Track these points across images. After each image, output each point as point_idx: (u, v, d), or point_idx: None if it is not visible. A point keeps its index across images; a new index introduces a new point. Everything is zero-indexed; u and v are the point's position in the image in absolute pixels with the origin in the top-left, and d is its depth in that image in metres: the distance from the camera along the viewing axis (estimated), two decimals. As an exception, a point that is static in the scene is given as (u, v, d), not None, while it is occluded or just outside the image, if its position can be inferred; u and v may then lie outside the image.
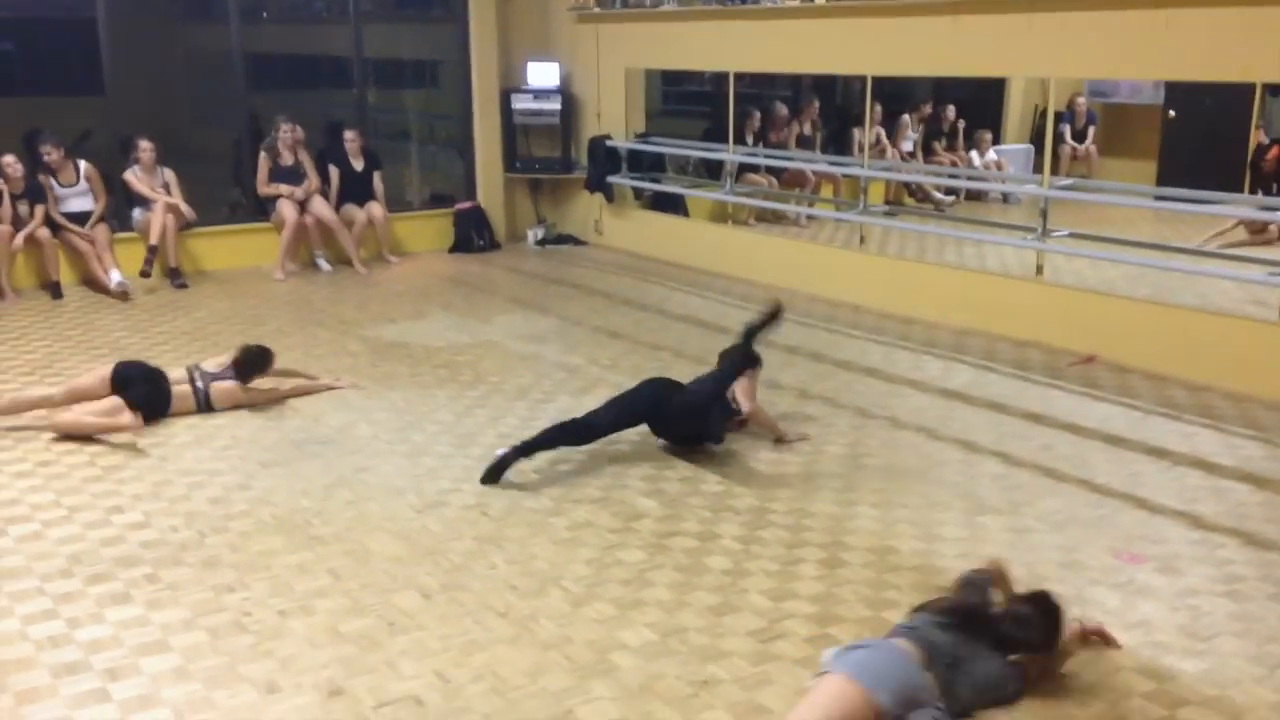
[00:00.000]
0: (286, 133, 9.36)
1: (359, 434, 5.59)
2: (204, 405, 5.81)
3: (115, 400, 5.49)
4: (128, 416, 5.42)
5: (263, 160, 9.44)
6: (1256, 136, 11.61)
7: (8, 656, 3.54)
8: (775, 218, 10.75)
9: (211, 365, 5.94)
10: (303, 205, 9.44)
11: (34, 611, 3.81)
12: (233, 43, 9.78)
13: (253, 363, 5.91)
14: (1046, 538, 4.44)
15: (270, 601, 3.89)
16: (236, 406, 5.86)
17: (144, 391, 5.62)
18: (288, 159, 9.46)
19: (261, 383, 6.00)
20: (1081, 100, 12.57)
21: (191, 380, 5.83)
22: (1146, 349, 6.57)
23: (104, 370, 5.70)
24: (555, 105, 10.50)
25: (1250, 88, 10.97)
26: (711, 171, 10.75)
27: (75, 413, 5.47)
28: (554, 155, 10.73)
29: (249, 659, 3.53)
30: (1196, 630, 3.71)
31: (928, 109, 12.43)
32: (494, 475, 4.93)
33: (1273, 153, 11.37)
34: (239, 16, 9.75)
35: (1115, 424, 5.72)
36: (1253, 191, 11.31)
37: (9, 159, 8.34)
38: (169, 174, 9.08)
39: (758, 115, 10.90)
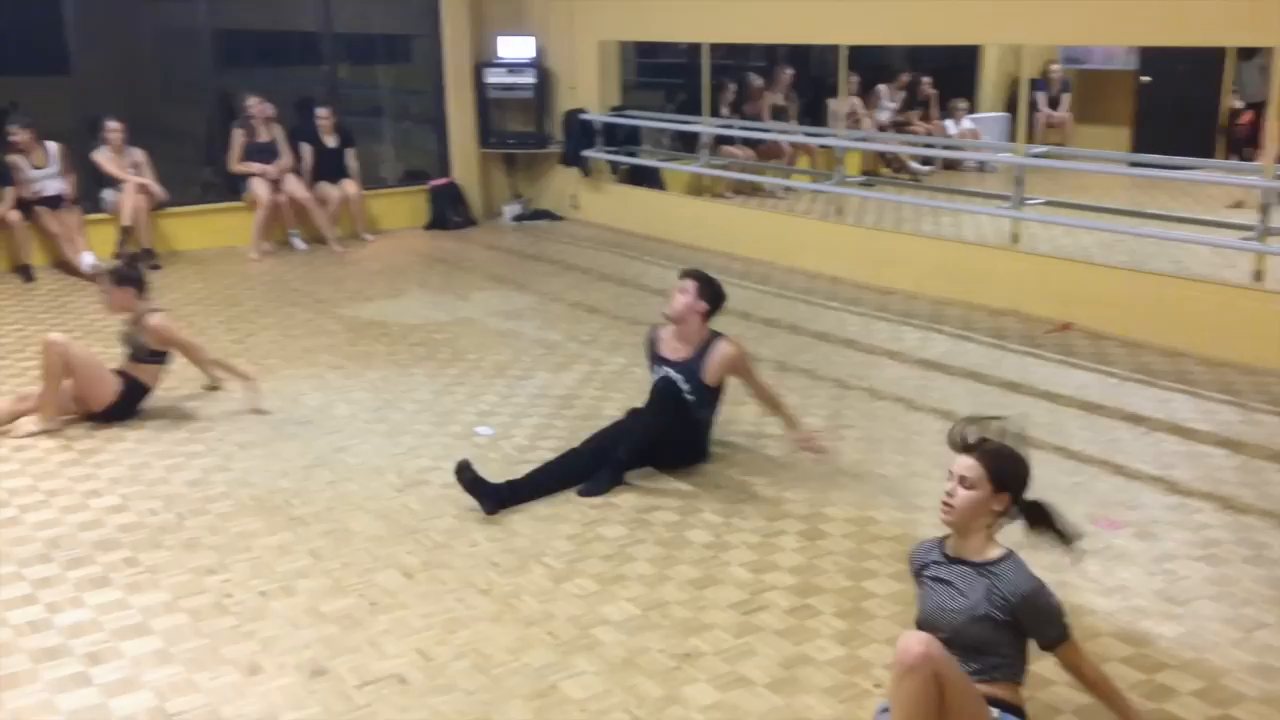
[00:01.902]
0: (255, 106, 9.26)
1: (337, 413, 5.57)
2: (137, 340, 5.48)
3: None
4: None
5: (237, 137, 9.34)
6: (1230, 101, 11.69)
7: (-14, 643, 3.52)
8: (752, 190, 10.74)
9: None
10: (276, 184, 9.35)
11: (13, 597, 3.79)
12: (200, 19, 9.65)
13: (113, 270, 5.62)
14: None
15: (251, 583, 3.88)
16: (167, 344, 5.53)
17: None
18: (263, 135, 9.36)
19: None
20: (1056, 67, 12.60)
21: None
22: (1122, 316, 6.61)
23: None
24: (529, 79, 10.42)
25: (1223, 52, 11.05)
26: (687, 144, 10.72)
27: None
28: (529, 130, 10.67)
29: (230, 640, 3.52)
30: (1174, 594, 3.75)
31: (904, 78, 12.43)
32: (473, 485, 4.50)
33: (1246, 117, 11.45)
34: (206, -7, 9.64)
35: (1091, 391, 5.76)
36: (1226, 156, 11.40)
37: None
38: (139, 154, 8.97)
39: (732, 87, 10.87)
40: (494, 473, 4.82)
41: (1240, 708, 3.16)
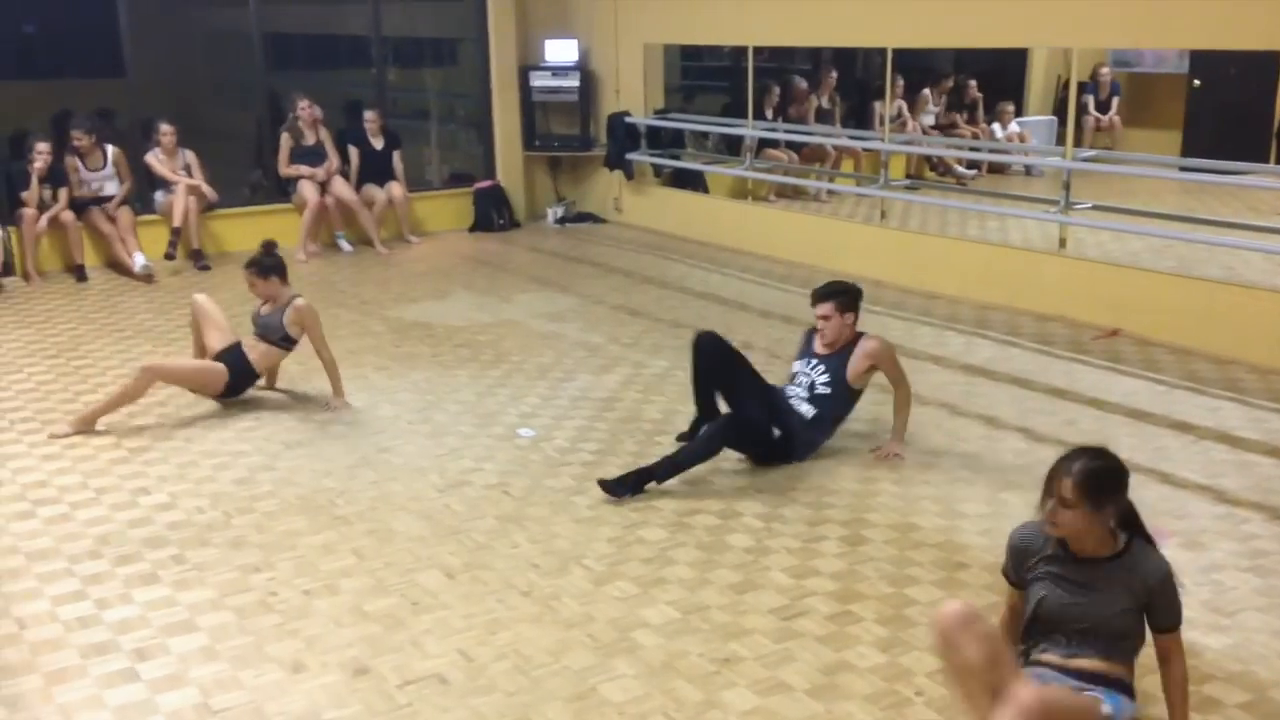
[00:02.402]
0: (304, 109, 9.37)
1: (381, 414, 5.62)
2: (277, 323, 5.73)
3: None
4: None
5: (284, 141, 9.46)
6: (1283, 104, 11.46)
7: (38, 637, 3.59)
8: (795, 193, 10.71)
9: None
10: (323, 186, 9.46)
11: (63, 593, 3.86)
12: (251, 23, 9.79)
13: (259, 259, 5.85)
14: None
15: (295, 581, 3.93)
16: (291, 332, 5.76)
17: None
18: (309, 138, 9.47)
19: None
20: (1105, 70, 12.44)
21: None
22: (1171, 322, 6.52)
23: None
24: (574, 82, 10.46)
25: (1277, 55, 10.83)
26: (731, 147, 10.71)
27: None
28: (573, 133, 10.71)
29: (275, 638, 3.57)
30: (1221, 605, 3.70)
31: (949, 82, 12.32)
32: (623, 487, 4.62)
33: (1300, 120, 11.21)
34: (257, -2, 9.77)
35: (1139, 398, 5.69)
36: (1279, 161, 11.19)
37: (42, 146, 8.40)
38: (190, 156, 9.11)
39: (777, 90, 10.84)
40: (535, 474, 4.87)
41: (1289, 723, 3.11)
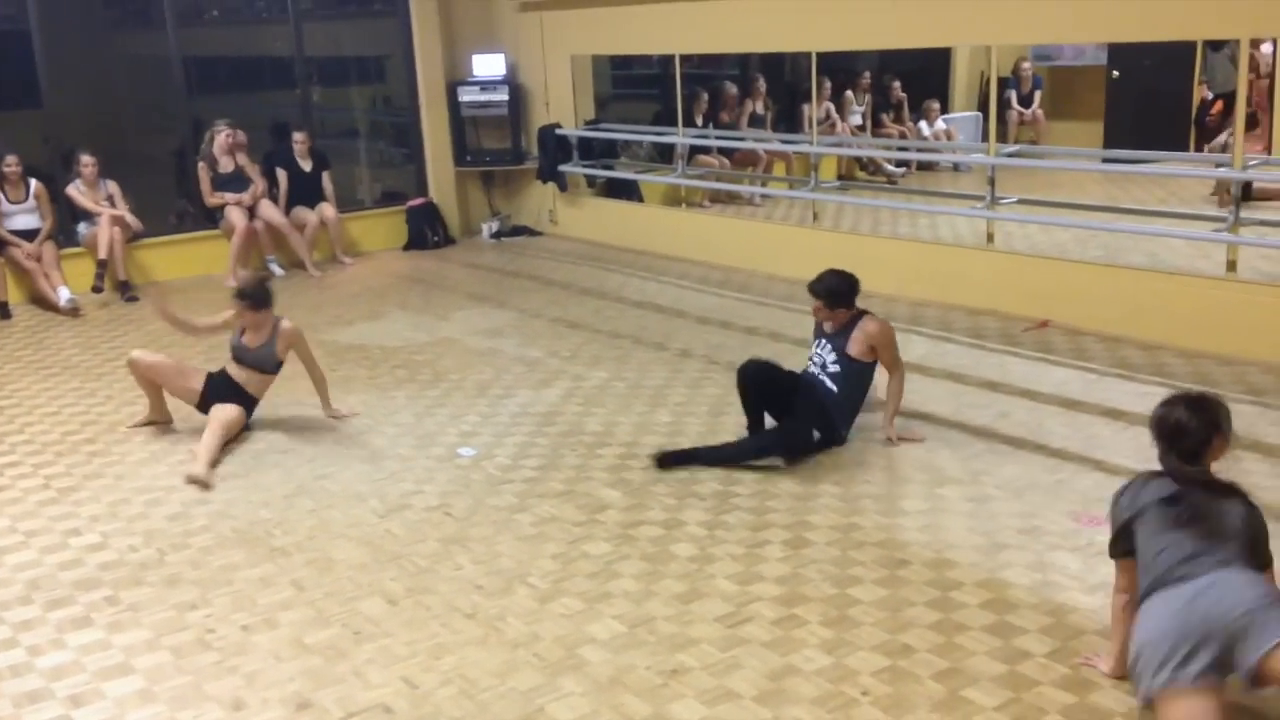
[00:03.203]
0: (224, 136, 9.23)
1: (319, 440, 5.55)
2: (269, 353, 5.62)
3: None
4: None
5: (202, 171, 9.31)
6: (1200, 92, 11.75)
7: (-32, 689, 3.49)
8: (729, 198, 10.76)
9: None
10: (251, 210, 9.33)
11: (-7, 641, 3.76)
12: (170, 48, 9.64)
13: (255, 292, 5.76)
14: (1006, 505, 4.48)
15: (233, 617, 3.86)
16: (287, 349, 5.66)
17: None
18: (226, 165, 9.33)
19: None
20: (1027, 65, 12.65)
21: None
22: (1099, 311, 6.63)
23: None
24: (503, 96, 10.43)
25: (1192, 44, 11.10)
26: (665, 155, 10.74)
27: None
28: (504, 147, 10.67)
29: (214, 677, 3.50)
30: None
31: (866, 80, 12.43)
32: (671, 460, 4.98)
33: (1217, 107, 11.51)
34: (175, 21, 9.62)
35: (1071, 388, 5.78)
36: (1198, 148, 11.46)
37: None
38: (112, 186, 8.94)
39: (705, 96, 10.89)
40: (476, 493, 4.83)
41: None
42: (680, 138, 9.57)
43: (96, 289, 8.51)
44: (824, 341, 5.27)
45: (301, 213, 9.58)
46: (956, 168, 12.11)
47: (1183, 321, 6.25)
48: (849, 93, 12.15)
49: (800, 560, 4.11)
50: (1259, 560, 2.97)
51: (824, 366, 5.20)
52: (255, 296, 5.59)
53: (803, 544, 4.24)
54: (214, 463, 5.18)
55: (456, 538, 4.41)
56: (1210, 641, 2.79)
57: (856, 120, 12.25)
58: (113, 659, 3.62)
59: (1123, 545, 3.17)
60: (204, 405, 5.55)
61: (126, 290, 8.76)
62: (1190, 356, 6.11)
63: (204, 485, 4.96)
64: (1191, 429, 3.02)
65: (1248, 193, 8.67)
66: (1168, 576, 2.93)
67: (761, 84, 11.50)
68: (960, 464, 4.88)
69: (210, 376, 5.64)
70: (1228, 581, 2.86)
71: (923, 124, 12.51)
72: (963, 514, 4.42)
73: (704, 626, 3.68)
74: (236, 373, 5.62)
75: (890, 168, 12.02)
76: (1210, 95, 11.66)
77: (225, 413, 5.43)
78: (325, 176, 9.75)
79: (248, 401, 5.62)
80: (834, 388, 5.13)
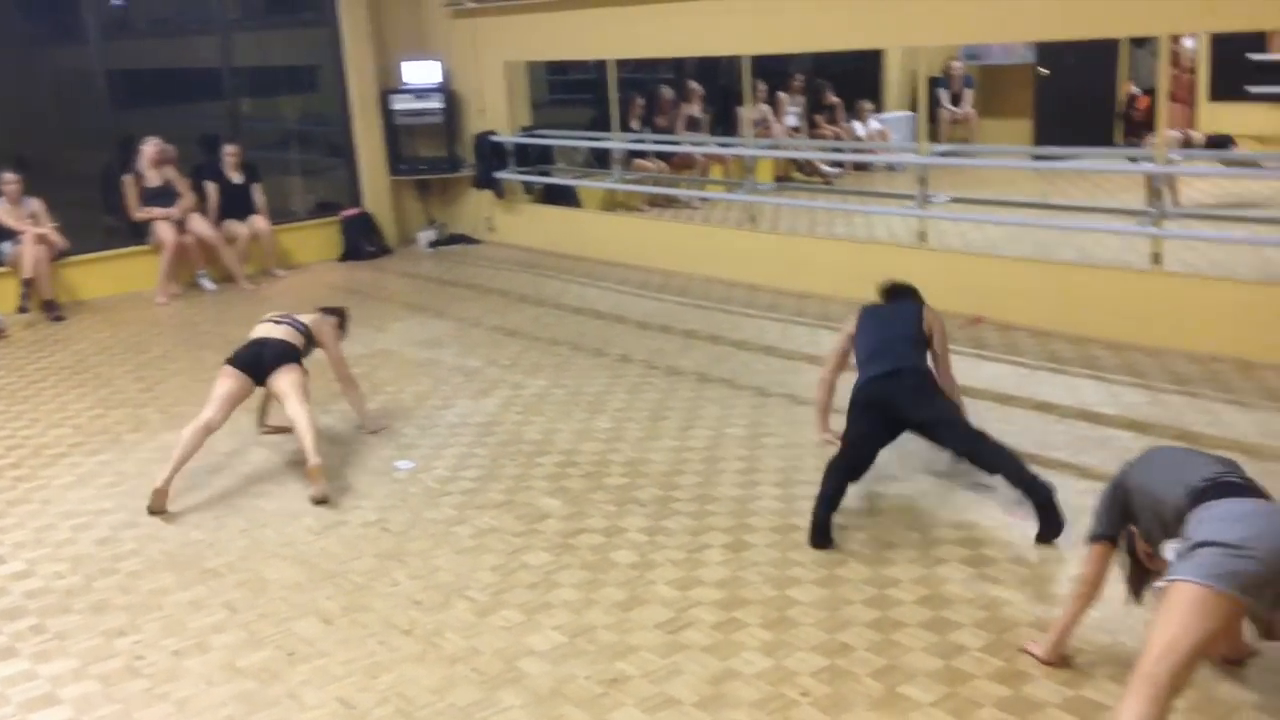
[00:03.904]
0: (152, 150, 9.06)
1: (252, 458, 5.45)
2: (302, 334, 5.47)
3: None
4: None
5: (129, 186, 9.14)
6: (1126, 87, 11.99)
7: (-115, 727, 3.38)
8: (668, 202, 10.77)
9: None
10: (180, 225, 9.17)
11: (-88, 676, 3.64)
12: (94, 62, 9.45)
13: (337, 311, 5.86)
14: (941, 500, 4.52)
15: (163, 642, 3.77)
16: (321, 345, 5.59)
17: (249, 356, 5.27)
18: (154, 180, 9.16)
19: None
20: (957, 65, 12.82)
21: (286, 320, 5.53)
22: (1030, 306, 6.73)
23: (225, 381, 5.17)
24: (437, 104, 10.36)
25: (1116, 40, 11.32)
26: (602, 160, 10.73)
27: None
28: (439, 155, 10.60)
29: (144, 704, 3.42)
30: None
31: (799, 82, 12.51)
32: (823, 540, 4.22)
33: (1142, 102, 11.74)
34: (99, 33, 9.44)
35: (1004, 382, 5.85)
36: (1125, 141, 11.69)
37: None
38: (36, 204, 8.73)
39: (641, 101, 10.90)
40: (414, 507, 4.77)
41: (1157, 689, 3.20)
42: (616, 142, 9.56)
43: (22, 309, 8.31)
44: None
45: (233, 226, 9.44)
46: (891, 167, 12.23)
47: (1111, 314, 6.36)
48: (783, 95, 12.22)
49: (740, 563, 4.11)
50: None
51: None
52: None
53: (742, 547, 4.24)
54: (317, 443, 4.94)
55: (394, 553, 4.36)
56: None
57: (792, 122, 12.33)
58: (39, 689, 3.53)
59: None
60: (259, 378, 5.17)
61: (53, 310, 8.56)
62: (1119, 349, 6.21)
63: (323, 497, 4.80)
64: None
65: None
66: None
67: (697, 87, 11.54)
68: (896, 461, 4.91)
69: (234, 360, 5.22)
70: None
71: (856, 124, 12.63)
72: (899, 510, 4.45)
73: (644, 634, 3.66)
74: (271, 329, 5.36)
75: (826, 168, 12.11)
76: (1136, 90, 11.91)
77: (290, 377, 5.12)
78: (256, 188, 9.61)
79: (296, 355, 5.32)
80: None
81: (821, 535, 4.20)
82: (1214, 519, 2.75)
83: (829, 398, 5.16)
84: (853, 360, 4.82)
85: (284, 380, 5.14)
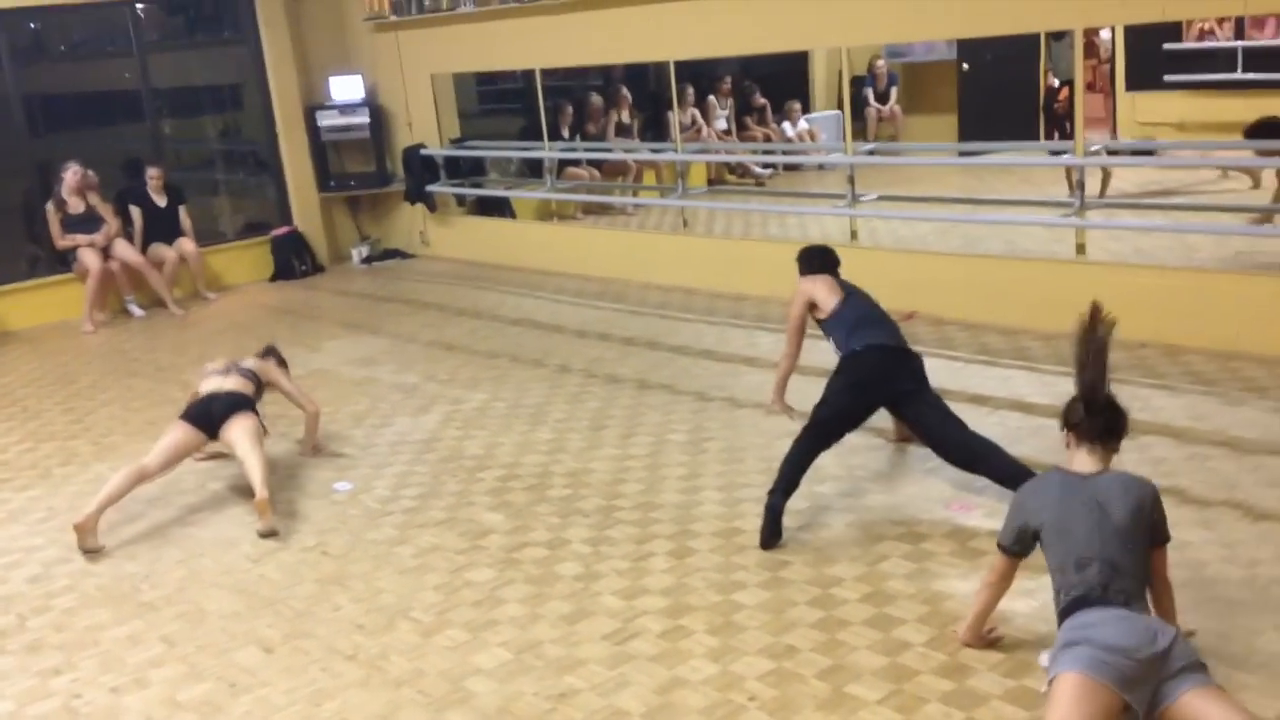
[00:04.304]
0: (74, 177, 8.87)
1: (185, 486, 5.35)
2: (252, 381, 5.38)
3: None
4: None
5: (51, 214, 8.93)
6: (1047, 80, 12.21)
7: None
8: (602, 209, 10.77)
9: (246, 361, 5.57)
10: (106, 251, 8.99)
11: None
12: (8, 85, 9.23)
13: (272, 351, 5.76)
14: (881, 498, 4.57)
15: (101, 679, 3.69)
16: (272, 386, 5.55)
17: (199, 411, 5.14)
18: (77, 206, 8.96)
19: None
20: (881, 63, 12.96)
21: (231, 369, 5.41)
22: (961, 300, 6.82)
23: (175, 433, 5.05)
24: (363, 119, 10.27)
25: (1035, 35, 11.52)
26: (535, 170, 10.70)
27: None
28: (369, 170, 10.51)
29: (81, 746, 3.35)
30: (1026, 568, 3.85)
31: (727, 85, 12.57)
32: (774, 533, 4.18)
33: (1063, 94, 11.96)
34: (12, 58, 9.23)
35: (937, 376, 5.79)
36: (1048, 134, 11.90)
37: None
38: (-47, 234, 8.53)
39: (570, 109, 10.89)
40: (354, 529, 4.72)
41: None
42: (547, 151, 9.54)
43: None
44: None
45: (159, 250, 9.27)
46: (822, 166, 12.34)
47: (1039, 305, 6.46)
48: (712, 98, 12.28)
49: (685, 570, 4.12)
50: None
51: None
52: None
53: (687, 553, 4.25)
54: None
55: (335, 577, 4.30)
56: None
57: (721, 125, 12.39)
58: (-30, 737, 3.44)
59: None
60: (210, 431, 5.07)
61: (-25, 342, 8.36)
62: (1048, 338, 6.32)
63: (271, 530, 4.67)
64: None
65: None
66: None
67: (626, 94, 11.54)
68: (835, 460, 4.94)
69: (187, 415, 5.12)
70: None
71: (786, 125, 12.71)
72: (840, 510, 4.49)
73: (591, 646, 3.65)
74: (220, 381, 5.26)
75: (758, 170, 12.19)
76: (1056, 83, 12.13)
77: (242, 424, 5.03)
78: (182, 211, 9.45)
79: (249, 403, 5.24)
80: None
81: (775, 528, 4.17)
82: (1089, 624, 2.88)
83: (791, 368, 5.10)
84: (815, 328, 4.76)
85: (236, 429, 5.02)
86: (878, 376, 4.48)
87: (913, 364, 4.58)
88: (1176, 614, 3.12)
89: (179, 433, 5.01)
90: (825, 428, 4.41)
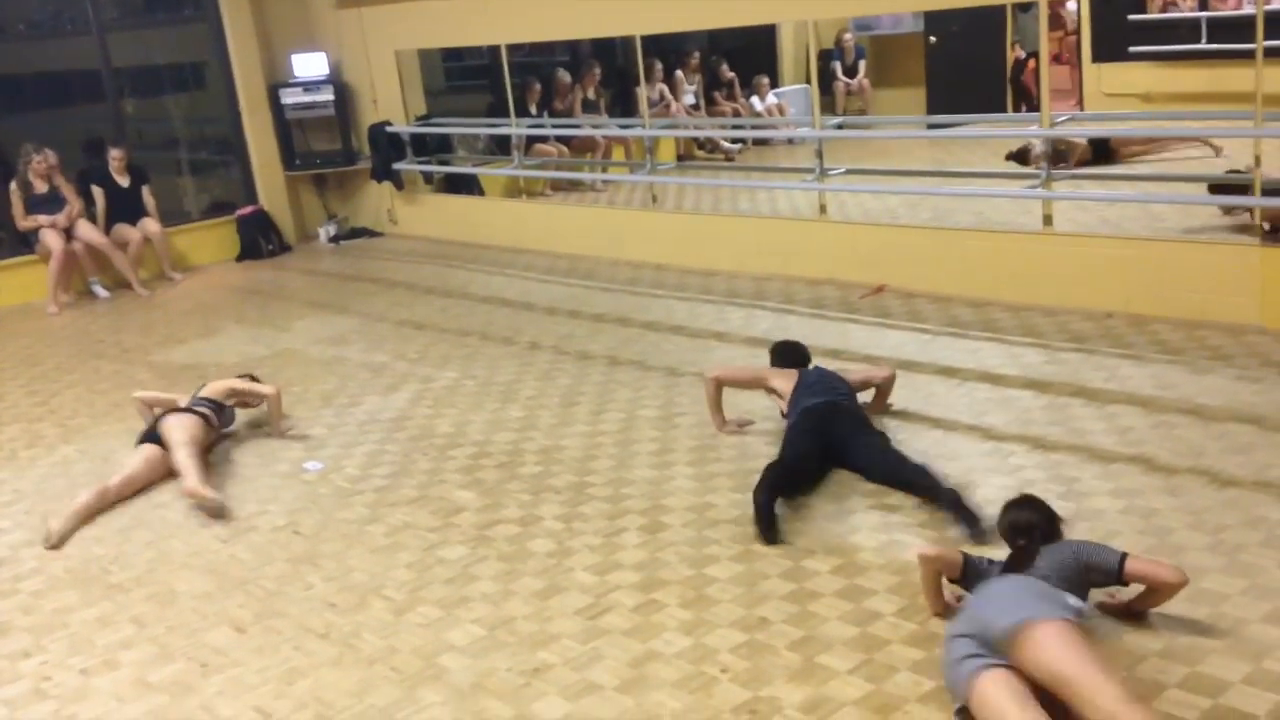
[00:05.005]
0: (39, 163, 8.75)
1: (154, 468, 5.31)
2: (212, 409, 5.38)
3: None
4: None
5: (14, 194, 8.81)
6: (1014, 53, 12.25)
7: None
8: (571, 185, 10.72)
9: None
10: (68, 232, 8.87)
11: None
12: (-36, 67, 9.08)
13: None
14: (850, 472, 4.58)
15: (70, 661, 3.67)
16: (232, 394, 5.58)
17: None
18: (41, 187, 8.85)
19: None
20: (849, 37, 12.96)
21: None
22: (930, 272, 6.85)
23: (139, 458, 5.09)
24: (328, 96, 10.17)
25: (1001, 7, 11.56)
26: (503, 147, 10.63)
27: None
28: (334, 148, 10.41)
29: (51, 729, 3.32)
30: (995, 539, 3.89)
31: (695, 60, 12.53)
32: (771, 531, 4.10)
33: (1030, 66, 12.01)
34: (-32, 38, 9.08)
35: (907, 349, 5.95)
36: (1015, 107, 11.95)
37: None
38: (-88, 216, 8.39)
39: (538, 85, 10.82)
40: (325, 508, 4.70)
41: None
42: (515, 128, 9.48)
43: None
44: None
45: (123, 230, 9.16)
46: (790, 141, 12.34)
47: (1008, 277, 6.50)
48: (680, 73, 12.24)
49: (657, 544, 4.12)
50: None
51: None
52: None
53: (659, 528, 4.25)
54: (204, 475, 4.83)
55: (306, 556, 4.29)
56: None
57: (690, 100, 12.35)
58: (-62, 722, 3.41)
59: None
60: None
61: (-64, 326, 8.24)
62: (1016, 310, 6.36)
63: (215, 506, 4.66)
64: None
65: (1104, 151, 8.99)
66: None
67: (593, 69, 11.48)
68: (807, 433, 4.97)
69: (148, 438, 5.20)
70: None
71: (754, 99, 12.70)
72: (813, 482, 4.50)
73: (564, 621, 3.66)
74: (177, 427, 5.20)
75: (727, 145, 12.17)
76: (1023, 55, 12.17)
77: (181, 426, 5.07)
78: (145, 190, 9.34)
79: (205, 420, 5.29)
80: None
81: (768, 520, 4.10)
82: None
83: (716, 393, 5.09)
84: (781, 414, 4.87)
85: (175, 427, 5.08)
86: (820, 425, 4.56)
87: (851, 410, 4.69)
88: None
89: (144, 458, 5.05)
90: (788, 465, 4.43)
